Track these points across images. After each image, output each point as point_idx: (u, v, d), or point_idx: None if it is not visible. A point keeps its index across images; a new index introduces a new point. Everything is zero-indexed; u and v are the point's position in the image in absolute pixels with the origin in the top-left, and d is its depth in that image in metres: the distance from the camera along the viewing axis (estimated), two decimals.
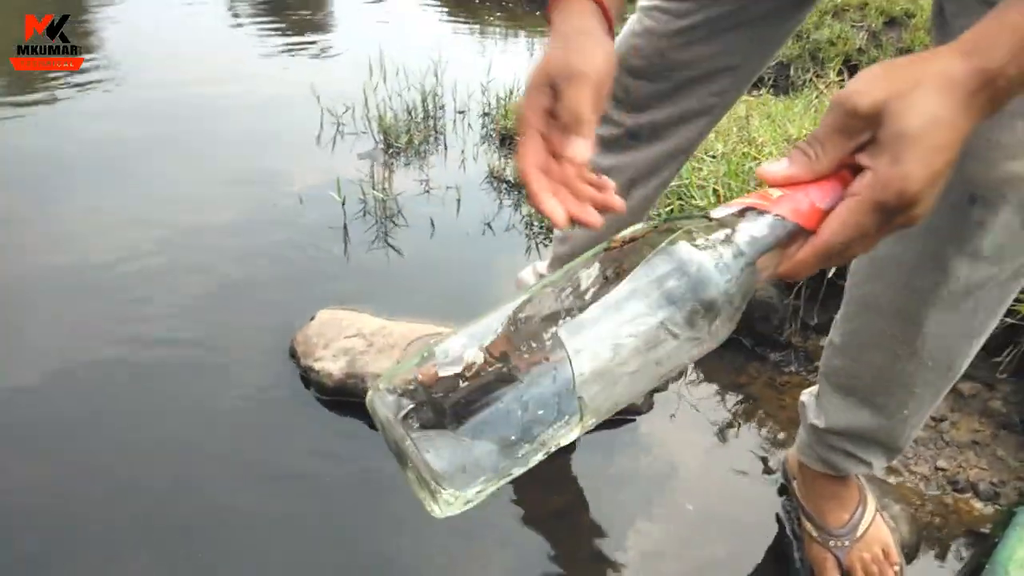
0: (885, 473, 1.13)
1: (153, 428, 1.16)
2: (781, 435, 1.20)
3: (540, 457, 0.43)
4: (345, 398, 1.21)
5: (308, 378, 1.24)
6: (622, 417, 1.22)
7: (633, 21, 0.89)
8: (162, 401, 1.21)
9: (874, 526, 0.95)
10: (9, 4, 3.91)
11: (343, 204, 1.79)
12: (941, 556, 1.02)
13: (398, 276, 1.60)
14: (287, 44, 3.30)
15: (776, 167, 0.44)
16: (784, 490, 1.08)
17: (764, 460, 1.16)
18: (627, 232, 0.44)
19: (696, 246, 0.41)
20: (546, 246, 1.74)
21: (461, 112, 2.52)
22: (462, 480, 0.40)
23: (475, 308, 1.31)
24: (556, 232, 1.09)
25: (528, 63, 3.23)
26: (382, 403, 0.41)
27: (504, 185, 2.03)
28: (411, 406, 0.40)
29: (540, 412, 0.41)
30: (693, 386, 1.31)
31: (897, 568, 0.94)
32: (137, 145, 2.14)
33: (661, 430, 1.22)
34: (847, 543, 0.94)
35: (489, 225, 1.82)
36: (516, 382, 0.40)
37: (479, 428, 0.40)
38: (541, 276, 1.10)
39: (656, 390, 1.28)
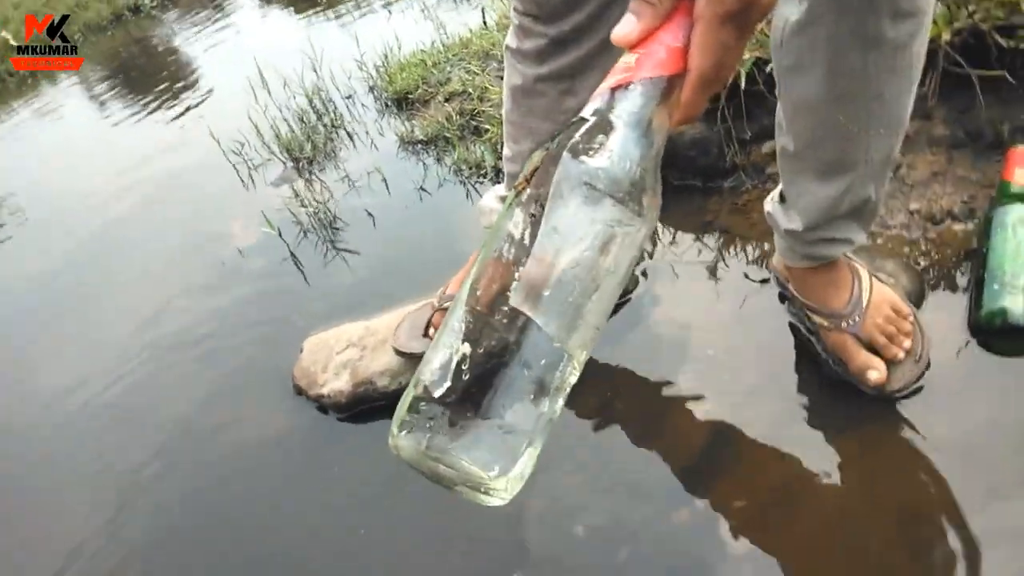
0: (868, 238, 1.16)
1: (207, 515, 1.18)
2: (764, 248, 1.23)
3: (562, 400, 0.43)
4: (364, 407, 1.23)
5: (323, 405, 1.26)
6: (617, 302, 1.24)
7: None
8: (207, 489, 1.23)
9: (875, 291, 0.98)
10: None
11: (280, 235, 1.78)
12: (946, 287, 1.06)
13: (361, 276, 1.61)
14: (164, 111, 3.22)
15: (627, 28, 0.43)
16: (783, 297, 1.12)
17: (756, 279, 1.19)
18: (527, 168, 0.42)
19: (587, 153, 0.40)
20: (481, 183, 1.74)
21: (349, 97, 2.48)
22: (507, 460, 0.40)
23: (443, 269, 1.32)
24: (505, 152, 1.11)
25: (389, 20, 3.16)
26: (405, 445, 0.41)
27: (419, 146, 2.02)
28: (428, 432, 0.40)
29: (542, 362, 0.41)
30: (667, 245, 1.33)
31: (911, 318, 0.98)
32: (65, 275, 2.12)
33: (656, 296, 1.24)
34: (858, 318, 0.97)
35: (422, 188, 1.82)
36: (506, 351, 0.40)
37: (497, 405, 0.40)
38: (502, 198, 1.11)
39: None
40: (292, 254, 1.74)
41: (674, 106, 0.43)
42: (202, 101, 3.21)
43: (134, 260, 2.05)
